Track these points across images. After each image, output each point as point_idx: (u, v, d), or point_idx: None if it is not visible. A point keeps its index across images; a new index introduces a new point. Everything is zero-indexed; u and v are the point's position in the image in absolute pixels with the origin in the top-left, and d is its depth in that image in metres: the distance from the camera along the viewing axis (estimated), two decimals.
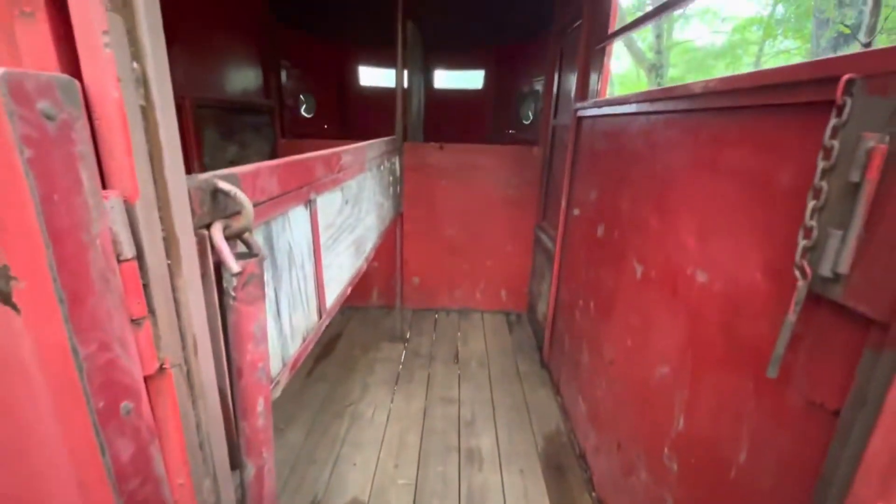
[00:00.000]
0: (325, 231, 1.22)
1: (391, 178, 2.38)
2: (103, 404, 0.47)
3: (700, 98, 1.13)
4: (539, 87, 3.34)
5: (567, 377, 2.35)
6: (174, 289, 0.55)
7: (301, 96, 3.62)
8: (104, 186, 0.47)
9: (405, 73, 3.54)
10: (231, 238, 0.66)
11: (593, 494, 1.84)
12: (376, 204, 1.96)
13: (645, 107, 1.46)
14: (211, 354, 0.63)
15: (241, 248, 0.71)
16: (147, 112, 0.49)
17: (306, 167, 1.04)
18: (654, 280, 1.39)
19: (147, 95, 0.49)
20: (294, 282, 1.00)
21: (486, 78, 4.03)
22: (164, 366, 0.54)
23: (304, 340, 1.07)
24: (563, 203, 2.44)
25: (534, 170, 3.19)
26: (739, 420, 0.96)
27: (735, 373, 0.99)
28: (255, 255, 0.68)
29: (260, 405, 0.71)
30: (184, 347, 0.57)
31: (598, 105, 1.93)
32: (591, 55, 2.21)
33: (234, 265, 0.62)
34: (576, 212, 2.30)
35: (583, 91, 2.30)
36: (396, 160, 2.57)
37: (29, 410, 0.47)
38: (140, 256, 0.50)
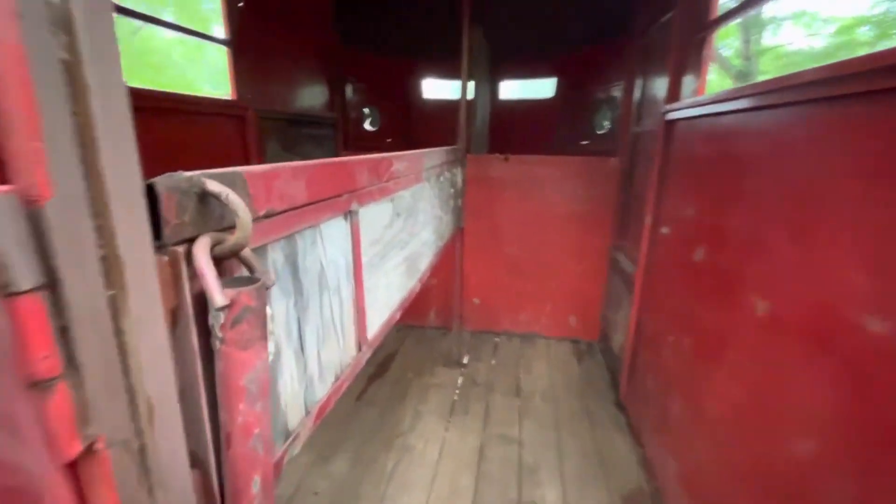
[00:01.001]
0: (370, 248, 1.04)
1: (452, 191, 2.20)
2: None
3: (875, 76, 0.81)
4: (617, 92, 3.03)
5: (652, 425, 1.99)
6: (118, 332, 0.38)
7: (365, 110, 3.59)
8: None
9: (471, 83, 3.40)
10: (223, 258, 0.49)
11: None
12: (434, 217, 1.78)
13: (773, 98, 1.14)
14: (179, 422, 0.45)
15: (245, 268, 0.54)
16: (73, 70, 0.33)
17: (346, 172, 0.87)
18: (787, 322, 1.05)
19: (72, 45, 0.32)
20: (326, 310, 0.82)
21: (558, 86, 3.78)
22: (94, 446, 0.37)
23: (336, 380, 0.88)
24: (648, 220, 2.11)
25: (609, 183, 2.86)
26: None
27: None
28: (256, 281, 0.50)
29: (255, 485, 0.53)
30: (134, 416, 0.40)
31: (699, 104, 1.61)
32: (687, 50, 1.90)
33: (217, 296, 0.44)
34: (664, 230, 1.97)
35: (674, 91, 1.98)
36: (458, 171, 2.39)
37: None
38: (53, 286, 0.33)
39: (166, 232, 0.43)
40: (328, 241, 0.82)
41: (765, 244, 1.16)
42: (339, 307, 0.88)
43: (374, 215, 1.06)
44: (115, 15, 0.36)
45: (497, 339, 3.27)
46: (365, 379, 2.70)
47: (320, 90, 3.01)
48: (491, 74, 3.75)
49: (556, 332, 3.26)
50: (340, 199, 0.85)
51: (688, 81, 1.90)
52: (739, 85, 1.43)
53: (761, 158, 1.20)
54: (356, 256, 0.94)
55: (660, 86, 2.19)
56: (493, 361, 2.96)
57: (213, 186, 0.46)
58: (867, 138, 0.85)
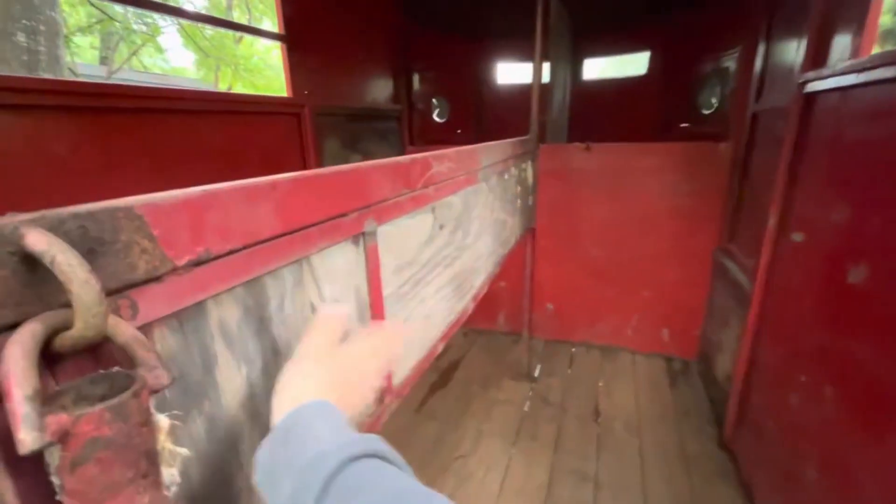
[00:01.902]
0: (397, 275, 0.83)
1: (519, 189, 1.92)
2: None
3: None
4: (730, 63, 2.49)
5: (769, 483, 1.57)
6: None
7: (433, 100, 3.40)
8: None
9: (547, 64, 3.05)
10: (74, 353, 0.31)
11: None
12: (494, 223, 1.53)
13: None
14: None
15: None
16: None
17: (355, 181, 0.67)
18: None
19: None
20: None
21: (652, 61, 3.26)
22: None
23: None
24: (772, 221, 1.66)
25: (717, 173, 2.37)
26: None
27: None
28: (126, 387, 0.31)
29: None
30: None
31: (862, 68, 1.16)
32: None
33: (23, 431, 0.26)
34: (797, 237, 1.52)
35: (818, 55, 1.50)
36: (528, 165, 2.10)
37: None
38: None
39: None
40: (325, 277, 0.63)
41: None
42: None
43: (405, 232, 0.85)
44: None
45: (573, 350, 2.93)
46: (426, 388, 2.55)
47: (384, 82, 2.88)
48: (572, 52, 3.34)
49: (644, 347, 2.84)
50: (346, 220, 0.65)
51: (840, 42, 1.41)
52: (887, 47, 0.99)
53: None
54: (373, 290, 0.74)
55: (794, 51, 1.70)
56: (568, 375, 2.64)
57: (36, 242, 0.28)
58: None
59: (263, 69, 13.19)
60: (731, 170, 2.29)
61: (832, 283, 1.26)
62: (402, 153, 2.94)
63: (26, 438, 0.26)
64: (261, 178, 0.49)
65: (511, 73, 3.70)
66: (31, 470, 0.30)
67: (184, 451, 0.38)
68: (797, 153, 1.55)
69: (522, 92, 3.57)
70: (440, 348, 1.06)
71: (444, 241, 1.06)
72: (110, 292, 0.34)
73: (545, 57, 2.39)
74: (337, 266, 0.65)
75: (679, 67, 3.09)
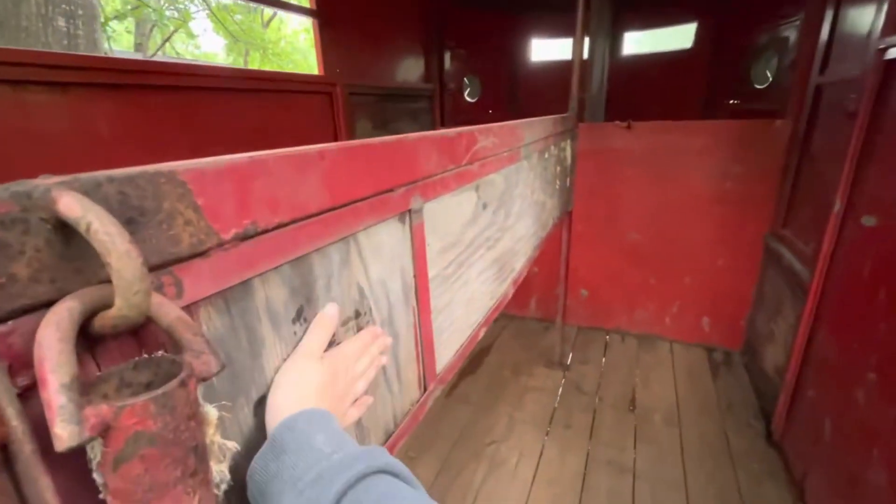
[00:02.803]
0: (441, 256, 0.78)
1: (558, 169, 1.83)
2: None
3: None
4: (790, 32, 2.29)
5: (825, 484, 1.48)
6: None
7: (465, 79, 3.30)
8: None
9: (586, 39, 2.90)
10: (115, 334, 0.27)
11: None
12: (534, 204, 1.46)
13: None
14: None
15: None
16: None
17: (402, 154, 0.61)
18: None
19: None
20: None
21: (699, 33, 3.05)
22: None
23: (387, 437, 0.66)
24: (838, 204, 1.52)
25: (771, 153, 2.21)
26: None
27: None
28: (173, 375, 0.28)
29: None
30: None
31: None
32: None
33: (59, 427, 0.22)
34: (868, 221, 1.39)
35: None
36: (567, 145, 2.00)
37: None
38: None
39: None
40: (372, 256, 0.59)
41: None
42: (391, 344, 0.65)
43: (449, 211, 0.80)
44: None
45: (608, 338, 2.84)
46: (456, 375, 2.52)
47: (416, 60, 2.80)
48: (612, 26, 3.16)
49: (684, 336, 2.72)
50: (393, 195, 0.60)
51: None
52: None
53: None
54: (419, 271, 0.70)
55: (869, 15, 1.53)
56: (603, 365, 2.56)
57: (69, 209, 0.24)
58: None
59: (291, 53, 13.24)
60: (789, 149, 2.12)
61: None
62: None
63: (63, 434, 0.23)
64: (309, 146, 0.45)
65: (545, 49, 3.54)
66: (73, 465, 0.26)
67: (233, 445, 0.34)
68: (873, 127, 1.40)
69: (557, 70, 3.42)
70: (482, 334, 1.01)
71: (487, 220, 1.00)
72: (153, 268, 0.30)
73: (585, 30, 2.26)
74: (383, 245, 0.61)
75: (729, 39, 2.88)
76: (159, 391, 0.26)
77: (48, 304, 0.25)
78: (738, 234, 2.40)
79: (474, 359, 2.67)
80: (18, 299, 0.24)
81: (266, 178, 0.39)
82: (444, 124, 3.08)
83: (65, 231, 0.26)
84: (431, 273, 0.74)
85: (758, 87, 2.59)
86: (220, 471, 0.32)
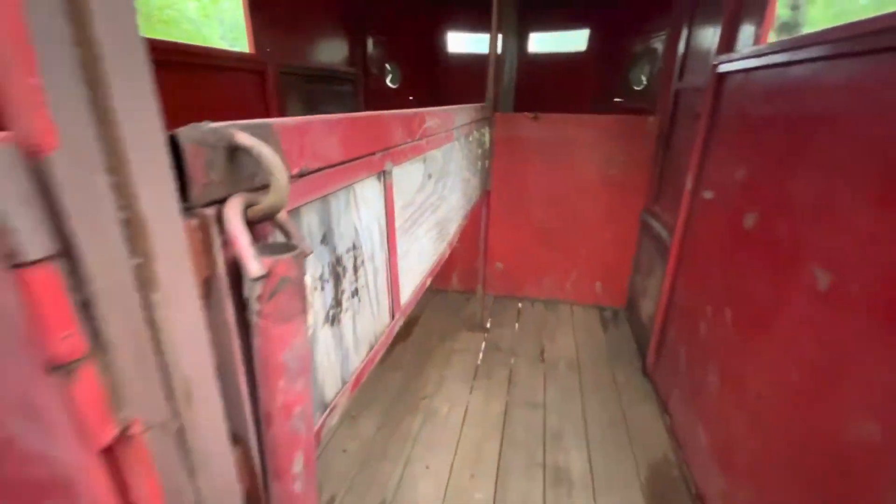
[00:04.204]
0: (403, 211, 0.98)
1: (479, 151, 2.09)
2: None
3: None
4: (659, 44, 2.80)
5: (681, 396, 1.95)
6: (148, 306, 0.33)
7: (387, 65, 3.43)
8: None
9: (499, 36, 3.19)
10: (257, 222, 0.43)
11: None
12: (462, 180, 1.69)
13: (861, 44, 1.00)
14: (218, 401, 0.41)
15: (281, 234, 0.49)
16: None
17: (380, 127, 0.79)
18: (854, 296, 0.97)
19: None
20: (361, 278, 0.77)
21: (591, 38, 3.53)
22: (129, 430, 0.33)
23: (370, 350, 0.85)
24: (689, 183, 1.98)
25: (646, 144, 2.70)
26: None
27: None
28: (294, 248, 0.45)
29: (297, 463, 0.49)
30: (170, 397, 0.36)
31: (760, 53, 1.45)
32: None
33: (253, 265, 0.39)
34: (707, 195, 1.84)
35: (729, 41, 1.80)
36: (486, 131, 2.28)
37: None
38: (69, 255, 0.28)
39: (194, 192, 0.38)
40: (362, 205, 0.76)
41: (834, 210, 1.05)
42: (372, 275, 0.83)
43: (407, 176, 1.00)
44: None
45: (520, 305, 3.23)
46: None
47: (340, 44, 2.87)
48: (519, 26, 3.51)
49: (581, 299, 3.20)
50: (374, 158, 0.78)
51: (746, 31, 1.71)
52: (783, 37, 1.28)
53: (842, 115, 1.07)
54: (390, 221, 0.89)
55: (711, 36, 1.99)
56: (517, 327, 2.93)
57: (244, 140, 0.40)
58: None
59: (181, 21, 11.98)
60: (658, 141, 2.62)
61: (731, 230, 1.59)
62: None
63: (255, 267, 0.39)
64: (332, 115, 0.61)
65: (460, 42, 3.80)
66: (239, 299, 0.43)
67: (327, 296, 0.52)
68: (710, 126, 1.86)
69: (471, 62, 3.70)
70: (428, 282, 1.22)
71: (431, 189, 1.21)
72: (262, 187, 0.47)
73: (499, 25, 2.53)
74: (368, 196, 0.79)
75: (614, 46, 3.39)
76: (296, 251, 0.43)
77: (223, 200, 0.41)
78: (621, 211, 2.89)
79: (403, 329, 2.88)
80: (215, 193, 0.40)
81: (311, 135, 0.56)
82: (367, 108, 3.19)
83: (232, 155, 0.41)
84: (397, 224, 0.93)
85: (636, 88, 3.11)
86: (310, 316, 0.50)
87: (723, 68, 1.75)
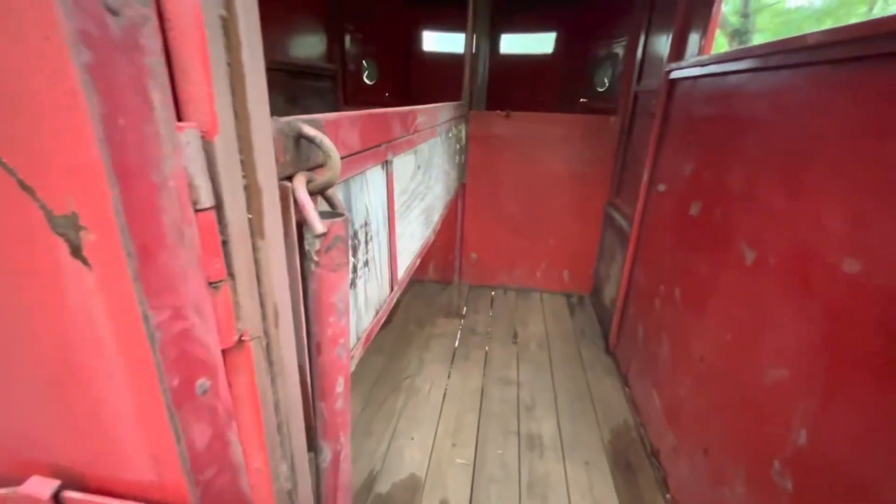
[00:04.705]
0: (400, 196, 1.12)
1: (457, 146, 2.25)
2: (178, 382, 0.40)
3: (871, 42, 0.89)
4: (619, 49, 3.03)
5: (638, 369, 2.17)
6: (255, 248, 0.46)
7: (364, 62, 3.52)
8: (178, 117, 0.38)
9: (473, 36, 3.34)
10: (313, 193, 0.57)
11: (667, 496, 1.69)
12: (444, 172, 1.84)
13: (775, 60, 1.21)
14: (292, 327, 0.54)
15: (323, 205, 0.62)
16: (229, 26, 0.39)
17: (385, 122, 0.93)
18: (772, 268, 1.18)
19: (229, 3, 0.39)
20: (370, 251, 0.91)
21: (558, 41, 3.74)
22: (242, 338, 0.46)
23: (376, 313, 0.99)
24: (645, 177, 2.21)
25: (608, 141, 2.93)
26: None
27: None
28: (341, 215, 0.58)
29: (339, 385, 0.63)
30: (264, 318, 0.49)
31: (703, 63, 1.67)
32: (694, 6, 1.93)
33: (318, 225, 0.53)
34: (661, 187, 2.07)
35: (679, 50, 2.03)
36: (463, 127, 2.43)
37: (104, 382, 0.41)
38: (219, 207, 0.41)
39: (277, 169, 0.51)
40: (371, 188, 0.90)
41: (758, 199, 1.27)
42: (377, 250, 0.97)
43: (403, 166, 1.13)
44: None
45: (493, 293, 3.42)
46: None
47: (319, 39, 2.95)
48: (491, 27, 3.68)
49: (550, 286, 3.42)
50: (380, 149, 0.92)
51: (693, 40, 1.94)
52: (734, 43, 1.49)
53: (763, 118, 1.28)
54: (390, 204, 1.02)
55: (664, 44, 2.22)
56: (491, 313, 3.11)
57: (309, 130, 0.54)
58: (858, 101, 0.94)
59: None
60: (619, 138, 2.85)
61: (680, 217, 1.81)
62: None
63: (318, 226, 0.53)
64: (354, 112, 0.75)
65: (435, 41, 3.93)
66: (302, 250, 0.56)
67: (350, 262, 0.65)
68: (663, 126, 2.08)
69: (445, 60, 3.84)
70: (418, 262, 1.36)
71: (420, 178, 1.35)
72: (315, 167, 0.60)
73: (474, 25, 2.69)
74: (376, 182, 0.92)
75: (579, 50, 3.61)
76: (345, 216, 0.57)
77: (290, 177, 0.54)
78: (587, 204, 3.11)
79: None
80: (286, 171, 0.53)
81: (343, 128, 0.69)
82: (346, 104, 3.28)
83: (296, 142, 0.54)
84: (396, 206, 1.07)
85: (599, 89, 3.34)
86: (351, 269, 0.63)
87: (674, 74, 1.97)
